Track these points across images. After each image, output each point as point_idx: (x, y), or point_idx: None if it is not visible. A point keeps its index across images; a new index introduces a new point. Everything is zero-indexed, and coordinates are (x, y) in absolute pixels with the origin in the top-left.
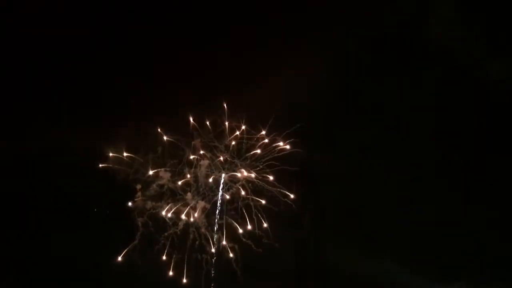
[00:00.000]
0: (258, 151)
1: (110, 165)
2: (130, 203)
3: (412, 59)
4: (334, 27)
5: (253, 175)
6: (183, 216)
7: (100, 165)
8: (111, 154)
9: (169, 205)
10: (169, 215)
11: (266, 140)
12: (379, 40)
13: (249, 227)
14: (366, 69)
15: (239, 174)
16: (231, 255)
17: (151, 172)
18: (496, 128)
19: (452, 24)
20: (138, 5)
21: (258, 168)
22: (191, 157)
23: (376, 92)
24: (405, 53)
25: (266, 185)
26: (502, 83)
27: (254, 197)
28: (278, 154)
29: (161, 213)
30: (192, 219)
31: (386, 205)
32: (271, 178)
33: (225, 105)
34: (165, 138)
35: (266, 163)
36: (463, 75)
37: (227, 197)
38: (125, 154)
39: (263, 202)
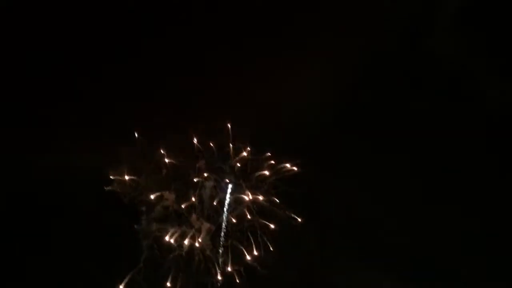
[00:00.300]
0: (263, 172)
1: (115, 187)
2: (136, 226)
3: (418, 78)
4: (336, 46)
5: (259, 197)
6: (187, 239)
7: (106, 188)
8: (114, 177)
9: (174, 227)
10: (174, 237)
11: (272, 162)
12: (383, 58)
13: (254, 250)
14: (370, 88)
15: (245, 197)
16: (237, 279)
17: (155, 195)
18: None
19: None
20: (139, 29)
21: (263, 189)
22: (195, 179)
23: (381, 112)
24: (409, 71)
25: (271, 207)
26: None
27: (259, 219)
28: (284, 175)
29: (166, 237)
30: (197, 242)
31: (391, 226)
32: (276, 200)
33: (229, 125)
34: (168, 160)
35: (271, 184)
36: (471, 96)
37: (234, 220)
38: (127, 177)
39: (271, 226)
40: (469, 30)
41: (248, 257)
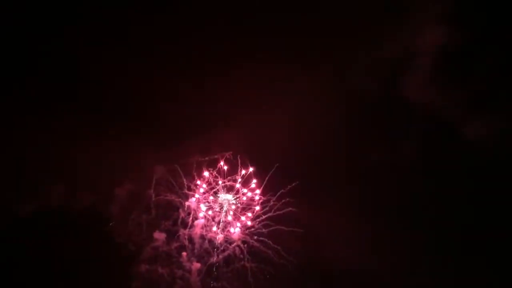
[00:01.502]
0: (255, 210)
1: (109, 228)
2: (125, 266)
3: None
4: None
5: (249, 237)
6: (178, 280)
7: (102, 229)
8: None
9: (164, 268)
10: (165, 278)
11: (261, 200)
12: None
13: None
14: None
15: (234, 235)
16: None
17: (145, 235)
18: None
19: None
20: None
21: (253, 229)
22: (186, 217)
23: (370, 151)
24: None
25: (262, 246)
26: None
27: (250, 259)
28: (274, 214)
29: (156, 277)
30: (187, 283)
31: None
32: (268, 241)
33: (222, 163)
34: (159, 198)
35: (262, 223)
36: (447, 134)
37: (223, 262)
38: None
39: (263, 268)
40: (446, 71)
41: None
